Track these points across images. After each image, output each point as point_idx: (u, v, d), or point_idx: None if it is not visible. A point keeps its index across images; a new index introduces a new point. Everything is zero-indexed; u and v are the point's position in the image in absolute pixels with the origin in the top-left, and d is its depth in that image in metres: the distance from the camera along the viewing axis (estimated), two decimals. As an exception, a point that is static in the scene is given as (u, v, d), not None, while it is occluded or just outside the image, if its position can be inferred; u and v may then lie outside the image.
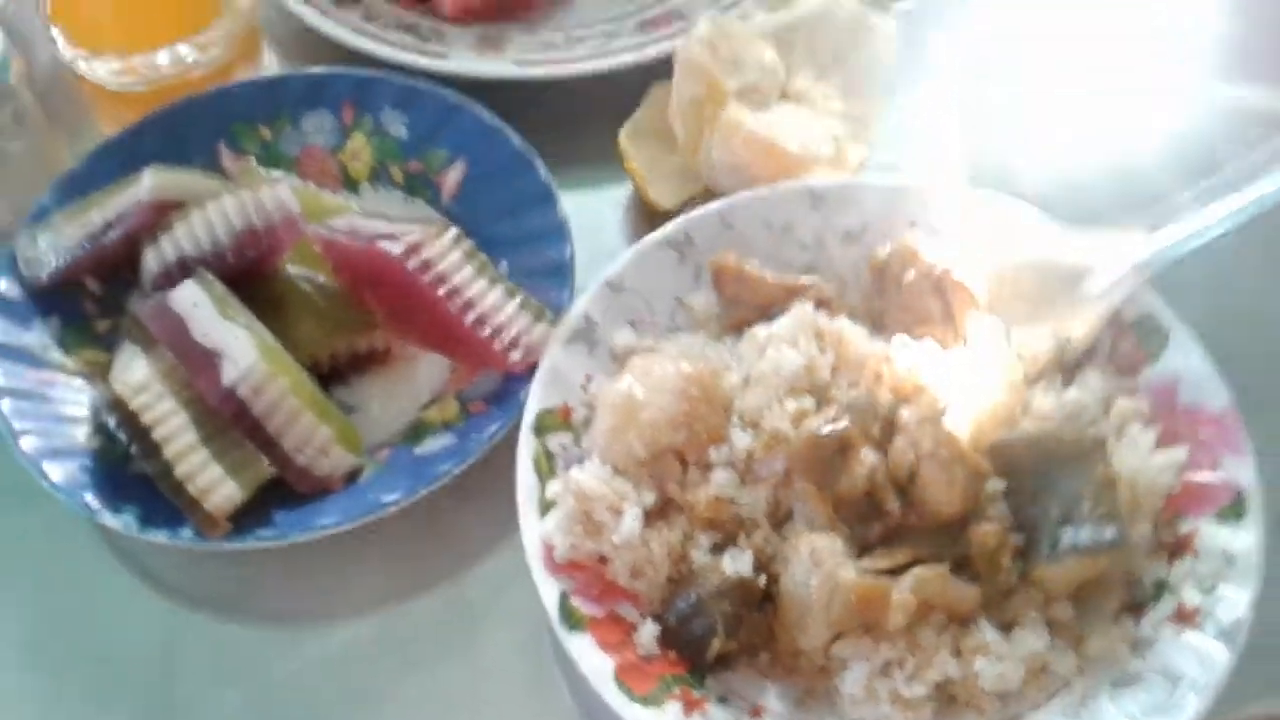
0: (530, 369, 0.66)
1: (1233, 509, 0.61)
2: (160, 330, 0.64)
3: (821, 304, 0.69)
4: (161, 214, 0.69)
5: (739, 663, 0.59)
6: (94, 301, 0.72)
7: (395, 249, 0.66)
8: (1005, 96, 0.86)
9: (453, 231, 0.69)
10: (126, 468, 0.64)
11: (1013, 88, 0.86)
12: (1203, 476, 0.62)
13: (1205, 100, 0.78)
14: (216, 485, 0.61)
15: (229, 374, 0.62)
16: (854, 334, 0.66)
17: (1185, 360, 0.65)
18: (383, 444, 0.68)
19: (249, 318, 0.65)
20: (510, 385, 0.67)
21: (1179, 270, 0.66)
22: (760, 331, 0.66)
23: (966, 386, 0.64)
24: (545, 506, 0.61)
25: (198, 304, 0.65)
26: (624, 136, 0.81)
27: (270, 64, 0.90)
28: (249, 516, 0.62)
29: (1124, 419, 0.64)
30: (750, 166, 0.76)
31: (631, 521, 0.59)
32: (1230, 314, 0.71)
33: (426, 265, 0.66)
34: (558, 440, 0.64)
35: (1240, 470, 0.61)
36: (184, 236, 0.68)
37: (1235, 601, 0.57)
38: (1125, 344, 0.67)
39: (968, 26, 0.90)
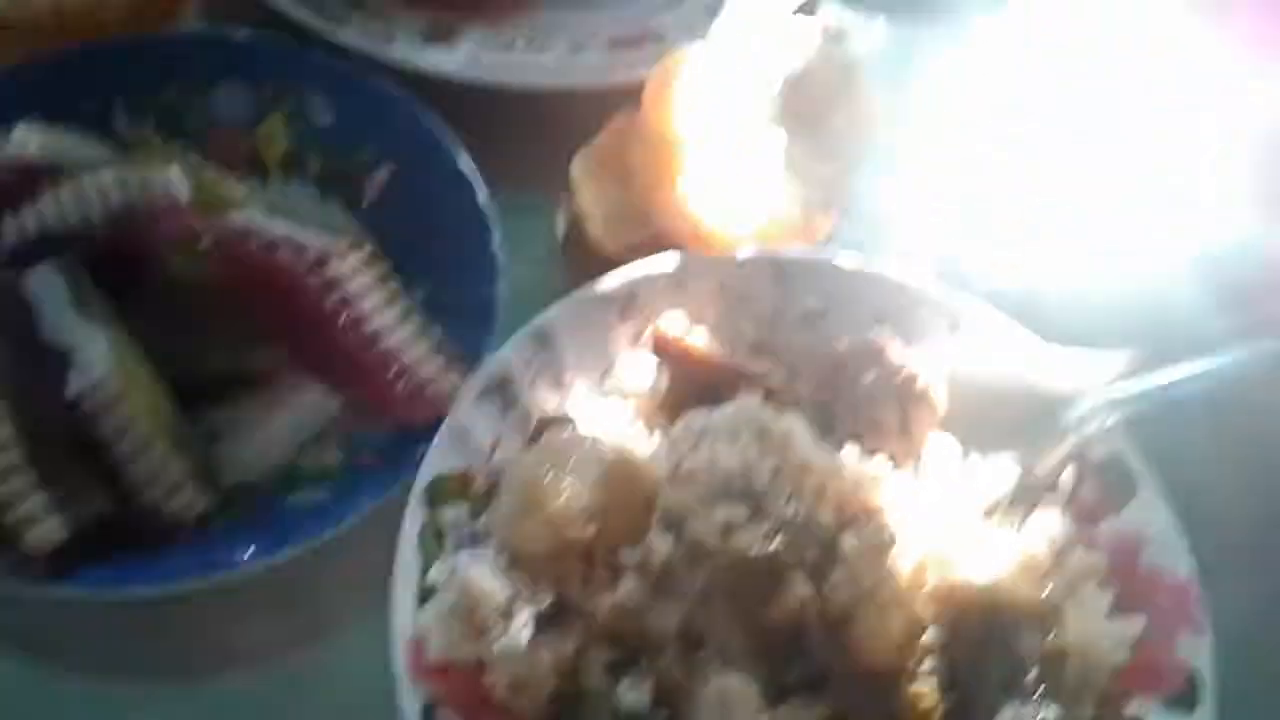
0: (433, 423, 0.58)
1: (1183, 696, 0.55)
2: (6, 316, 0.54)
3: (770, 395, 0.61)
4: (31, 179, 0.60)
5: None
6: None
7: (298, 259, 0.58)
8: (1000, 186, 0.79)
9: (367, 249, 0.60)
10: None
11: (1010, 178, 0.79)
12: (1154, 652, 0.56)
13: (1236, 232, 0.71)
14: (38, 517, 0.51)
15: (75, 382, 0.53)
16: (802, 437, 0.58)
17: (1150, 516, 0.60)
18: (248, 484, 0.59)
19: (110, 317, 0.56)
20: (406, 438, 0.58)
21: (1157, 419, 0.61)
22: (697, 418, 0.59)
23: (917, 516, 0.58)
24: (425, 593, 0.53)
25: (54, 290, 0.55)
26: (577, 165, 0.73)
27: (195, 20, 0.80)
28: (74, 556, 0.52)
29: (1079, 575, 0.59)
30: (708, 226, 0.68)
31: (521, 628, 0.51)
32: (1193, 473, 0.66)
33: (331, 283, 0.58)
34: (452, 512, 0.56)
35: (1197, 651, 0.56)
36: (52, 207, 0.58)
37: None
38: (1089, 487, 0.62)
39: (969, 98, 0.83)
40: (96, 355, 0.53)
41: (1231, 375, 0.60)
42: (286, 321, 0.59)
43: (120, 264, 0.58)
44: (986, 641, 0.54)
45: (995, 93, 0.83)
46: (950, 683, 0.53)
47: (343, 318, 0.58)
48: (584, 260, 0.72)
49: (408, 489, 0.55)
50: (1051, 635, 0.54)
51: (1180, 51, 0.76)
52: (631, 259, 0.67)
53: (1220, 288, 0.69)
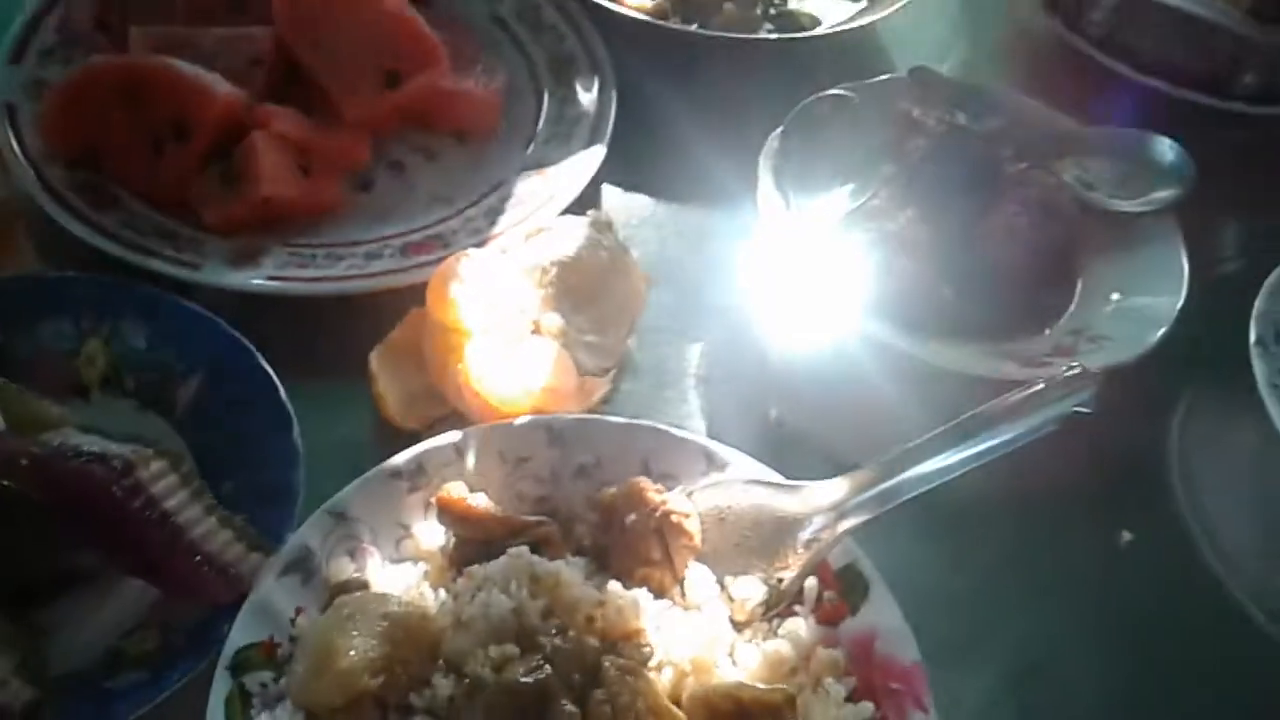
0: (239, 601, 0.65)
1: (913, 766, 0.63)
2: None
3: (544, 544, 0.70)
4: None
5: None
6: None
7: (106, 469, 0.65)
8: (744, 346, 0.91)
9: (171, 453, 0.68)
10: None
11: (752, 339, 0.91)
12: (890, 731, 0.65)
13: (923, 360, 0.83)
14: None
15: (-101, 599, 0.59)
16: (570, 577, 0.67)
17: (882, 614, 0.69)
18: (74, 672, 0.65)
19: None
20: (216, 617, 0.65)
21: (884, 523, 0.71)
22: (477, 571, 0.67)
23: (675, 634, 0.66)
24: (231, 754, 0.59)
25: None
26: (374, 357, 0.82)
27: (28, 261, 0.89)
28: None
29: (822, 670, 0.67)
30: (491, 401, 0.78)
31: (317, 776, 0.58)
32: (927, 565, 0.76)
33: (137, 489, 0.65)
34: (257, 678, 0.62)
35: (923, 727, 0.65)
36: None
37: None
38: (829, 594, 0.71)
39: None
40: (-82, 570, 0.60)
41: (938, 480, 0.70)
42: (101, 525, 0.66)
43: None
44: (736, 736, 0.62)
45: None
46: (704, 776, 0.61)
47: (149, 516, 0.65)
48: (387, 439, 0.80)
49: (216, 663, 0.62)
50: (792, 722, 0.63)
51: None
52: (430, 434, 0.76)
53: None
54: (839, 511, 0.71)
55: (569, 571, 0.67)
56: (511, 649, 0.62)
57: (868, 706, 0.65)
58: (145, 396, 0.77)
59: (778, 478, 0.74)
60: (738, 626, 0.69)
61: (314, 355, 0.83)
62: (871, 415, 0.84)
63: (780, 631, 0.69)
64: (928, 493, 0.69)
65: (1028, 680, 0.74)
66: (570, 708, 0.60)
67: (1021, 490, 0.81)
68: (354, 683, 0.60)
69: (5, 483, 0.66)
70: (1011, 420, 0.68)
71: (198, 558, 0.65)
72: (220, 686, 0.61)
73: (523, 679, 0.60)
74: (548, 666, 0.61)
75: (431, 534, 0.71)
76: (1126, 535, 0.83)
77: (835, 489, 0.71)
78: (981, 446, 0.68)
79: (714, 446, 0.76)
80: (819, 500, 0.72)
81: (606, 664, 0.62)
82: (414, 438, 0.76)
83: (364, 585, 0.67)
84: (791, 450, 0.78)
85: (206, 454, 0.72)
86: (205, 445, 0.73)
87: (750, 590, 0.70)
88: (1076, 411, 0.67)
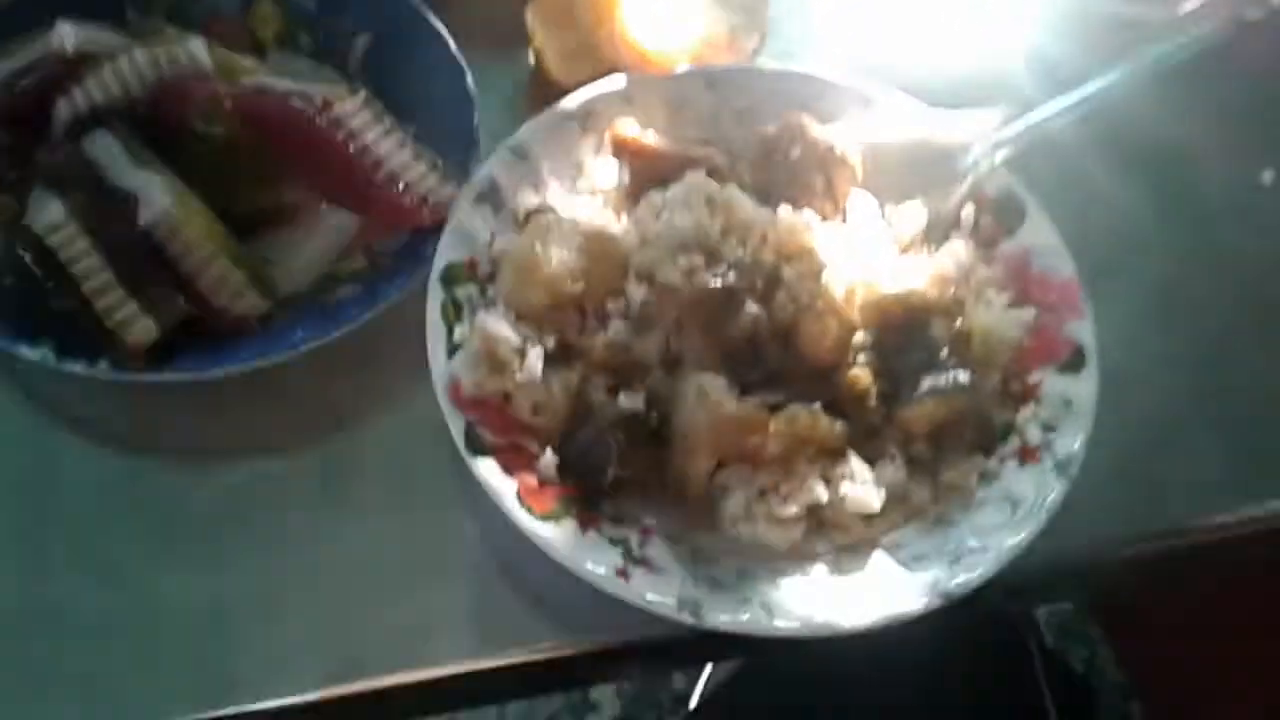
0: (438, 226, 0.69)
1: (1072, 362, 0.68)
2: (75, 174, 0.66)
3: (713, 173, 0.73)
4: (73, 66, 0.70)
5: (632, 492, 0.64)
6: (2, 151, 0.73)
7: (307, 105, 0.69)
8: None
9: (362, 93, 0.71)
10: (39, 306, 0.66)
11: None
12: (1048, 334, 0.69)
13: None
14: (134, 320, 0.63)
15: (145, 215, 0.65)
16: (742, 200, 0.70)
17: (1037, 234, 0.72)
18: (295, 294, 0.71)
19: (161, 165, 0.67)
20: (417, 242, 0.70)
21: (1037, 152, 0.73)
22: (656, 196, 0.71)
23: (845, 251, 0.70)
24: (452, 349, 0.65)
25: (111, 149, 0.67)
26: (530, 14, 0.84)
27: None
28: (167, 353, 0.65)
29: (982, 284, 0.71)
30: (647, 52, 0.80)
31: (534, 361, 0.64)
32: (1078, 191, 0.78)
33: (338, 122, 0.69)
34: (464, 291, 0.68)
35: (1081, 330, 0.69)
36: (96, 87, 0.69)
37: (1070, 440, 0.65)
38: (986, 218, 0.74)
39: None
40: (158, 193, 0.65)
41: (1091, 105, 0.72)
42: (306, 159, 0.70)
43: (159, 127, 0.70)
44: (907, 333, 0.66)
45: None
46: (880, 367, 0.66)
47: (351, 149, 0.69)
48: (545, 95, 0.83)
49: (424, 282, 0.67)
50: (959, 323, 0.67)
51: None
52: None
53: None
54: (996, 140, 0.73)
55: (741, 195, 0.71)
56: (697, 259, 0.67)
57: (1029, 311, 0.69)
58: (319, 54, 0.80)
59: (934, 110, 0.76)
60: (901, 249, 0.73)
61: (470, 17, 0.85)
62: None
63: (941, 254, 0.73)
64: (1076, 132, 0.71)
65: (1169, 299, 0.78)
66: (755, 309, 0.65)
67: (1162, 135, 0.82)
68: (560, 286, 0.65)
69: (210, 122, 0.71)
70: (1182, 27, 0.69)
71: (398, 186, 0.69)
72: (436, 293, 0.66)
73: (713, 283, 0.65)
74: (733, 272, 0.66)
75: (605, 172, 0.75)
76: (1268, 175, 0.84)
77: (992, 117, 0.74)
78: (1149, 58, 0.70)
79: (867, 86, 0.78)
80: (976, 130, 0.74)
81: (786, 271, 0.67)
82: (570, 93, 0.79)
83: (552, 210, 0.71)
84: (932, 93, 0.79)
85: (386, 102, 0.75)
86: (383, 94, 0.75)
87: (911, 216, 0.73)
88: (1245, 19, 0.68)
